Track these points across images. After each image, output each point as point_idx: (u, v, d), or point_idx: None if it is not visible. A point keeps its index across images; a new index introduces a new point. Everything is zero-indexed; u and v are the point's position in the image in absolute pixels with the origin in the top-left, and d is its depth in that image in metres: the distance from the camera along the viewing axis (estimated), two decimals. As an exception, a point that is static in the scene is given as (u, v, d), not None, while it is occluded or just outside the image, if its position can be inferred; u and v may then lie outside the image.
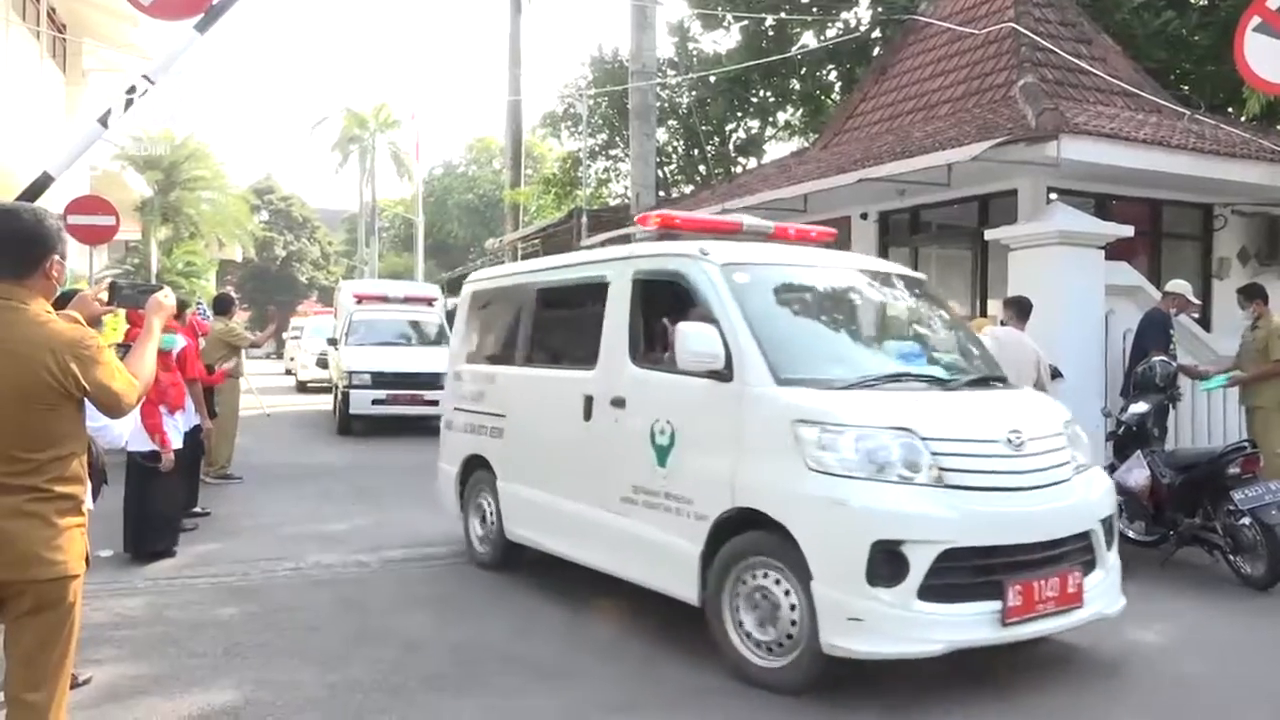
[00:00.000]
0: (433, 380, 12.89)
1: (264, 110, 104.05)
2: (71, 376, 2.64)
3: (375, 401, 13.89)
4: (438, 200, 49.89)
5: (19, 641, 2.64)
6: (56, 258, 2.75)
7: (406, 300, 16.59)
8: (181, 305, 7.47)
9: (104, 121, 6.47)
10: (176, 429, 6.86)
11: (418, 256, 36.16)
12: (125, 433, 4.08)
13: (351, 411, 14.01)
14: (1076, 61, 10.90)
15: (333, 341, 16.21)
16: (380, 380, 13.91)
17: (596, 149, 22.55)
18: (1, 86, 14.62)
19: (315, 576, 6.37)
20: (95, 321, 3.04)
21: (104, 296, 3.19)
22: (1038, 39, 10.90)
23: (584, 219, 17.32)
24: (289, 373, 29.65)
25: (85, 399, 2.72)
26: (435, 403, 12.08)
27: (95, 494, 4.27)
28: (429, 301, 16.79)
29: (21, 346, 2.61)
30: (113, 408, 2.77)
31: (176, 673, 4.49)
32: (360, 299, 16.16)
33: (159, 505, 6.71)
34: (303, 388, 24.17)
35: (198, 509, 8.08)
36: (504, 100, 25.75)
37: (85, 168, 20.95)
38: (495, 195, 35.82)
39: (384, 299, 16.40)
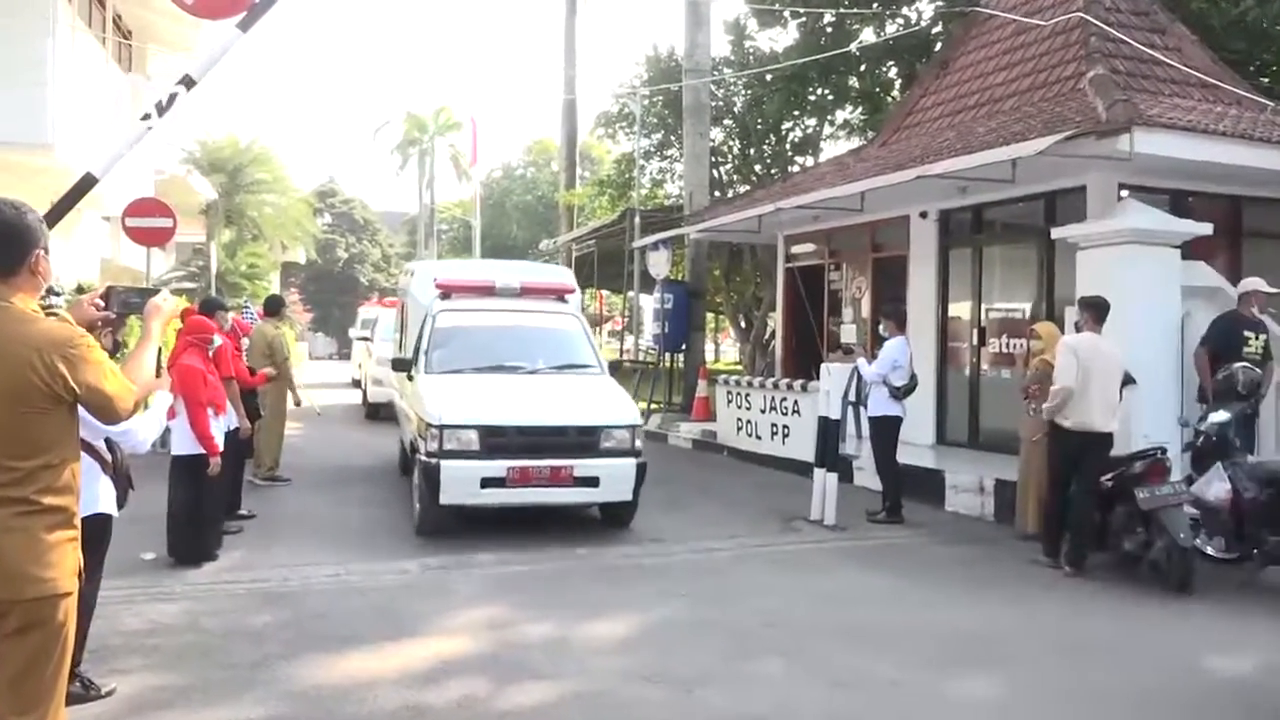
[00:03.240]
0: (590, 440, 7.59)
1: (328, 115, 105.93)
2: (60, 378, 2.49)
3: (488, 482, 7.33)
4: (496, 203, 50.23)
5: (7, 662, 2.49)
6: (41, 252, 2.61)
7: (525, 292, 9.38)
8: (215, 305, 7.44)
9: (148, 121, 6.45)
10: (219, 431, 6.81)
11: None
12: (148, 438, 3.97)
13: (444, 500, 7.36)
14: (1150, 52, 10.40)
15: (403, 365, 9.05)
16: (496, 442, 7.42)
17: (651, 149, 22.37)
18: (69, 91, 14.86)
19: (354, 583, 6.26)
20: (91, 326, 2.90)
21: (101, 302, 3.04)
22: (1108, 29, 10.43)
23: (637, 220, 17.14)
24: (357, 384, 21.69)
25: (78, 403, 2.58)
26: (594, 481, 7.55)
27: (123, 501, 4.18)
28: (562, 294, 9.66)
29: (7, 346, 2.47)
30: (107, 412, 2.61)
31: (203, 685, 4.37)
32: (447, 290, 9.17)
33: (202, 509, 6.66)
34: (374, 414, 15.99)
35: (243, 511, 8.06)
36: (560, 101, 25.75)
37: (150, 171, 21.41)
38: (554, 197, 35.85)
39: (488, 290, 9.25)
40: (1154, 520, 6.35)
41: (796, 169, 19.53)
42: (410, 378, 8.71)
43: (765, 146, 21.22)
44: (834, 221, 12.76)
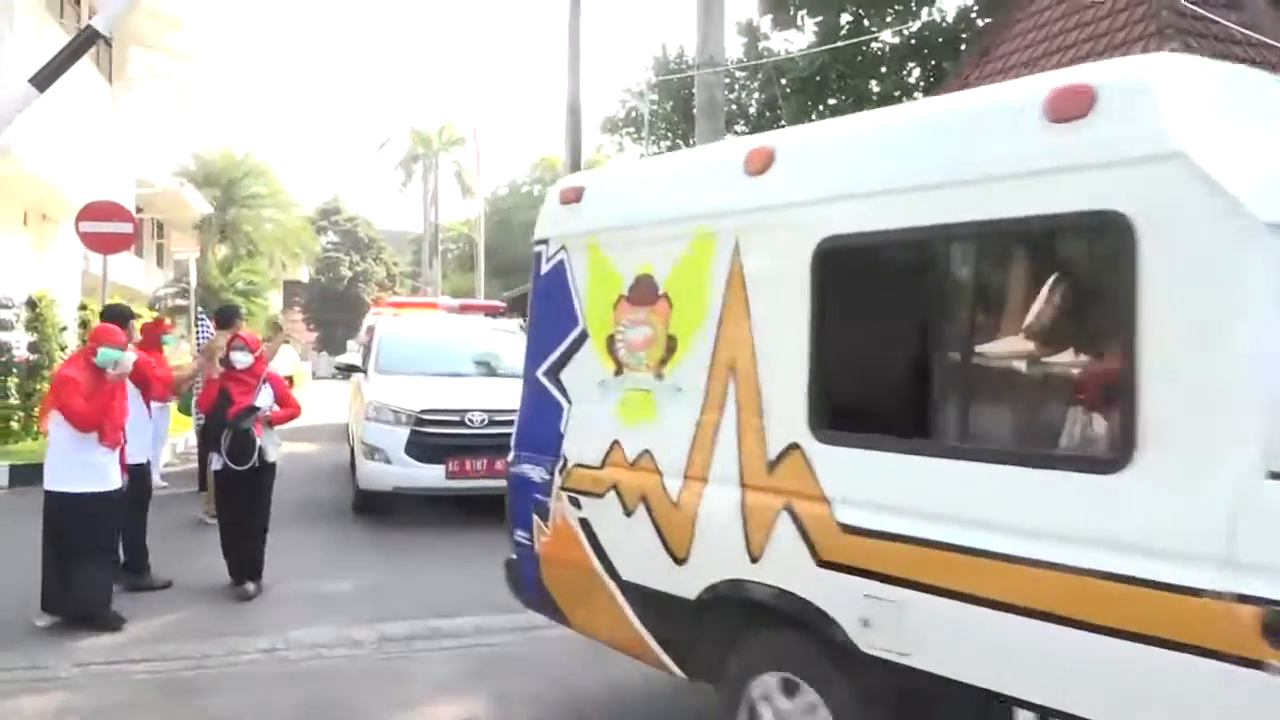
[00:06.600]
0: None
1: (332, 133, 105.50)
2: None
3: None
4: (502, 220, 49.20)
5: None
6: None
7: None
8: (120, 315, 6.14)
9: (38, 83, 5.26)
10: (109, 463, 5.40)
11: (479, 276, 35.19)
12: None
13: None
14: (1232, 28, 9.13)
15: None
16: None
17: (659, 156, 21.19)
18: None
19: (289, 663, 4.95)
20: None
21: None
22: (1183, 2, 9.16)
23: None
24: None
25: None
26: None
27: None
28: None
29: None
30: None
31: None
32: None
33: (85, 561, 5.29)
34: (366, 506, 8.88)
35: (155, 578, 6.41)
36: (564, 112, 24.57)
37: (130, 182, 20.29)
38: (558, 212, 34.87)
39: None
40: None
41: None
42: None
43: (781, 153, 20.05)
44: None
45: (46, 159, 14.49)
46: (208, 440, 6.64)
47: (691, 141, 18.37)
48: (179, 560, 6.71)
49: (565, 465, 3.87)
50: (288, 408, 6.42)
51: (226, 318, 8.24)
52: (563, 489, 3.85)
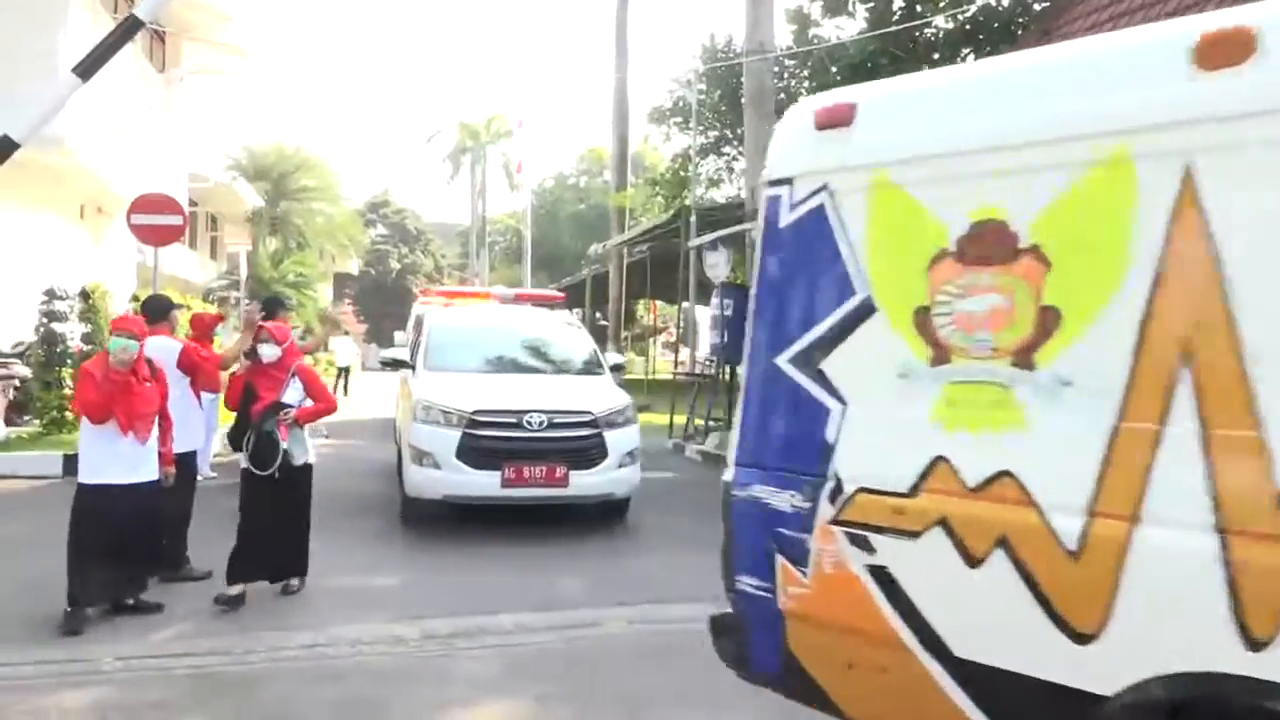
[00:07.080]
0: None
1: (383, 127, 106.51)
2: None
3: None
4: (549, 212, 49.28)
5: None
6: None
7: None
8: (159, 306, 6.08)
9: (81, 72, 5.23)
10: (128, 457, 5.22)
11: (525, 268, 35.26)
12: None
13: None
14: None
15: None
16: None
17: (707, 145, 20.98)
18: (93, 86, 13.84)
19: (331, 659, 4.87)
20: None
21: None
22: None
23: (693, 219, 15.72)
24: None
25: None
26: None
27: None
28: None
29: None
30: None
31: None
32: None
33: (93, 557, 5.15)
34: (413, 513, 8.22)
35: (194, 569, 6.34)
36: (611, 102, 24.44)
37: (183, 176, 20.57)
38: (606, 206, 34.66)
39: None
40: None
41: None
42: None
43: (832, 142, 19.73)
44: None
45: (100, 151, 14.71)
46: (234, 437, 6.11)
47: (739, 131, 18.19)
48: (222, 552, 6.66)
49: (840, 490, 2.81)
50: (320, 402, 5.90)
51: (269, 309, 8.13)
52: (836, 522, 2.80)
